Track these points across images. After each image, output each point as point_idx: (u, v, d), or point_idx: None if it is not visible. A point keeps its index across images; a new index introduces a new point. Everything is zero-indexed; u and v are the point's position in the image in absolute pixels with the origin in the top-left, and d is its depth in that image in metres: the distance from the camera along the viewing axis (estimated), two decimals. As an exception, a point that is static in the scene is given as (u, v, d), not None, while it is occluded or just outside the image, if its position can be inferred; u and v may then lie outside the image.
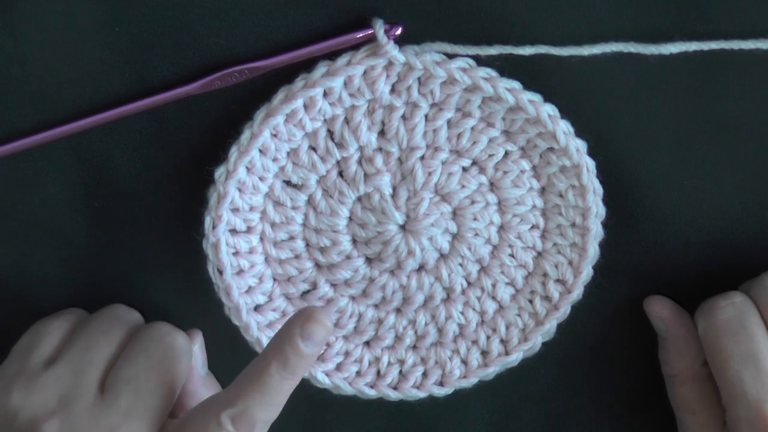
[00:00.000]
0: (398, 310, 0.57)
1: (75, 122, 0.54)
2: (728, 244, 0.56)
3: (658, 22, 0.53)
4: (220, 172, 0.53)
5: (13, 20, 0.53)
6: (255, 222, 0.55)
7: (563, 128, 0.53)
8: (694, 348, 0.55)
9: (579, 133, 0.54)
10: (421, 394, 0.57)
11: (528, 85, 0.53)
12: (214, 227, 0.54)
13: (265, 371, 0.48)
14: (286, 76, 0.53)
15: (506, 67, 0.53)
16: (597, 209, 0.54)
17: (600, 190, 0.54)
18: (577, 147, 0.53)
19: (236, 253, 0.55)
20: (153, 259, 0.56)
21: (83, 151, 0.55)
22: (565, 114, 0.53)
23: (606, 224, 0.55)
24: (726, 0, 0.53)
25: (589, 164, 0.54)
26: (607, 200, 0.55)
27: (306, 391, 0.57)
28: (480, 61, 0.53)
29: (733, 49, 0.53)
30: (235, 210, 0.54)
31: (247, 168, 0.53)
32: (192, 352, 0.55)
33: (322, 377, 0.56)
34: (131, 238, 0.56)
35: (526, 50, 0.53)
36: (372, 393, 0.57)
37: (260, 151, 0.53)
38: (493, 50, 0.53)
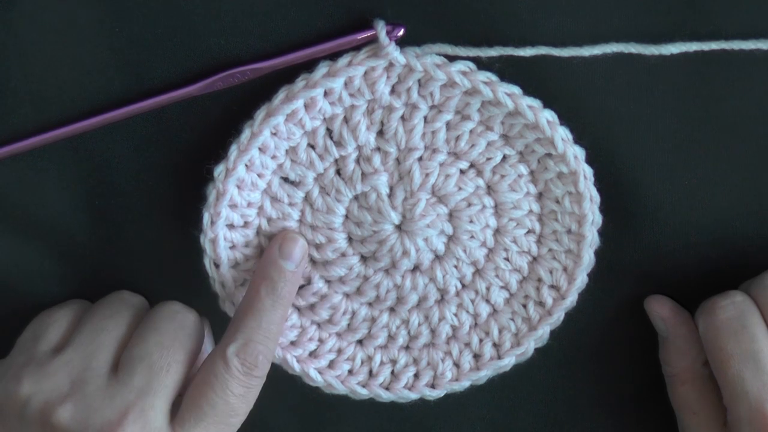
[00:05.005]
0: (392, 310, 0.57)
1: (75, 123, 0.54)
2: (728, 244, 0.56)
3: (658, 23, 0.53)
4: (219, 170, 0.53)
5: (13, 20, 0.53)
6: (252, 217, 0.55)
7: (562, 134, 0.53)
8: (694, 348, 0.55)
9: (578, 137, 0.54)
10: (413, 396, 0.57)
11: (528, 86, 0.53)
12: (212, 223, 0.54)
13: (255, 298, 0.52)
14: (287, 76, 0.53)
15: (507, 68, 0.53)
16: (593, 217, 0.54)
17: (597, 197, 0.54)
18: (575, 154, 0.53)
19: (233, 247, 0.55)
20: (152, 257, 0.57)
21: (83, 151, 0.55)
22: (565, 114, 0.53)
23: (605, 225, 0.55)
24: (726, 1, 0.53)
25: (586, 171, 0.54)
26: (606, 201, 0.55)
27: (305, 391, 0.57)
28: (480, 62, 0.53)
29: (734, 50, 0.53)
30: (233, 206, 0.54)
31: (246, 166, 0.53)
32: (204, 331, 0.55)
33: (314, 374, 0.57)
34: (131, 238, 0.57)
35: (527, 51, 0.53)
36: (364, 392, 0.57)
37: (260, 149, 0.53)
38: (494, 51, 0.53)
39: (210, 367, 0.51)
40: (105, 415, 0.50)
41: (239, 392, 0.51)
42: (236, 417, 0.52)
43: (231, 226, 0.55)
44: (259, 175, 0.54)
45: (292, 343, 0.57)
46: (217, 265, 0.55)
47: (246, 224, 0.55)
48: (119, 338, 0.53)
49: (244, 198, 0.54)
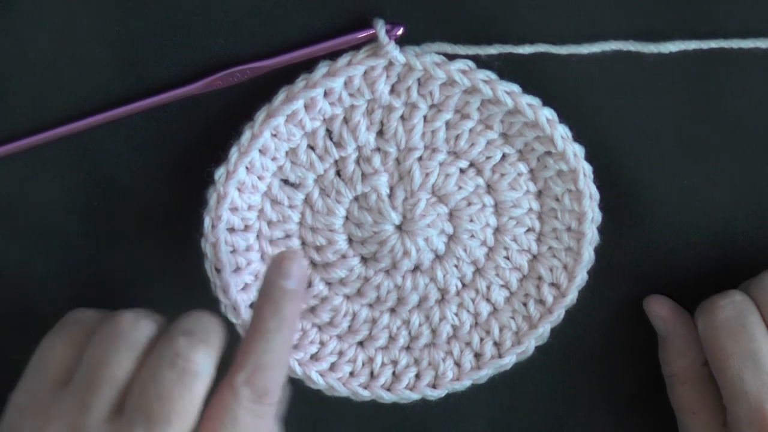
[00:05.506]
0: (392, 310, 0.57)
1: (75, 122, 0.54)
2: (728, 244, 0.56)
3: (657, 21, 0.53)
4: (220, 173, 0.53)
5: (13, 20, 0.53)
6: (252, 221, 0.55)
7: (561, 132, 0.53)
8: (694, 347, 0.55)
9: (577, 135, 0.54)
10: (414, 396, 0.57)
11: (527, 84, 0.53)
12: (213, 227, 0.54)
13: (260, 321, 0.49)
14: (287, 75, 0.53)
15: (506, 66, 0.53)
16: (593, 214, 0.54)
17: (596, 195, 0.54)
18: (575, 152, 0.53)
19: (234, 251, 0.55)
20: (152, 258, 0.56)
21: (83, 151, 0.55)
22: (564, 112, 0.53)
23: (605, 224, 0.55)
24: (726, 0, 0.53)
25: (586, 169, 0.54)
26: (606, 199, 0.55)
27: (305, 391, 0.57)
28: (480, 60, 0.53)
29: (733, 48, 0.53)
30: (233, 209, 0.54)
31: (246, 168, 0.53)
32: (211, 369, 0.50)
33: (316, 377, 0.56)
34: (131, 238, 0.56)
35: (526, 49, 0.53)
36: (366, 394, 0.57)
37: (260, 151, 0.53)
38: (493, 50, 0.53)
39: (218, 399, 0.48)
40: None
41: (250, 421, 0.48)
42: None
43: (232, 230, 0.55)
44: (260, 178, 0.54)
45: (293, 346, 0.57)
46: (218, 270, 0.55)
47: (246, 228, 0.55)
48: (120, 380, 0.49)
49: (244, 201, 0.54)
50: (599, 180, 0.54)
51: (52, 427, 0.48)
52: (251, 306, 0.56)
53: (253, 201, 0.55)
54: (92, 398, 0.48)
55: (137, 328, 0.49)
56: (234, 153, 0.53)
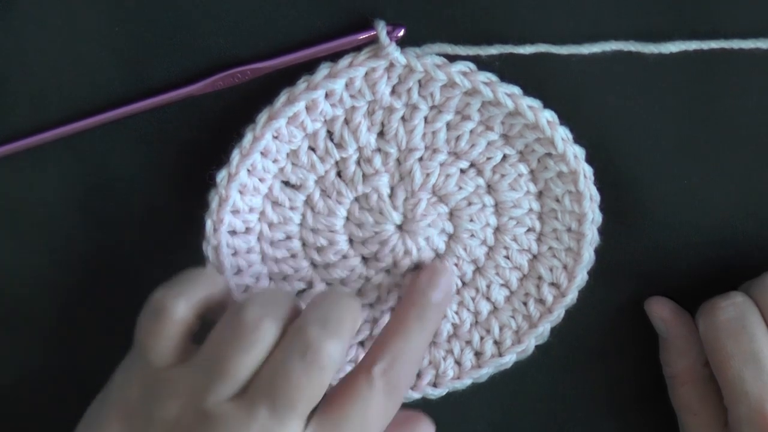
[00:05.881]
0: (393, 310, 0.57)
1: (75, 123, 0.54)
2: (728, 244, 0.56)
3: (657, 21, 0.53)
4: (221, 176, 0.53)
5: (13, 20, 0.53)
6: (253, 223, 0.55)
7: (561, 134, 0.53)
8: (694, 348, 0.55)
9: (578, 135, 0.54)
10: (415, 395, 0.57)
11: (528, 84, 0.53)
12: (215, 230, 0.54)
13: (404, 323, 0.52)
14: (288, 76, 0.53)
15: (506, 66, 0.53)
16: (593, 215, 0.55)
17: (597, 196, 0.54)
18: (575, 153, 0.53)
19: (235, 254, 0.55)
20: (152, 258, 0.57)
21: (83, 151, 0.55)
22: (564, 112, 0.53)
23: (606, 224, 0.55)
24: (726, 0, 0.53)
25: (586, 171, 0.54)
26: (606, 200, 0.55)
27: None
28: (480, 60, 0.53)
29: (733, 49, 0.53)
30: (235, 212, 0.54)
31: (248, 170, 0.53)
32: (340, 361, 0.50)
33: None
34: (130, 238, 0.56)
35: (526, 49, 0.53)
36: (366, 393, 0.57)
37: (262, 153, 0.53)
38: (494, 50, 0.53)
39: (352, 383, 0.50)
40: None
41: (378, 412, 0.50)
42: None
43: (233, 233, 0.55)
44: (261, 180, 0.54)
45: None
46: (219, 273, 0.55)
47: (248, 230, 0.55)
48: (247, 372, 0.48)
49: (246, 203, 0.54)
50: (600, 180, 0.54)
51: (171, 402, 0.48)
52: None
53: (255, 203, 0.55)
54: (217, 381, 0.48)
55: (262, 329, 0.48)
56: (236, 155, 0.53)
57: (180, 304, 0.49)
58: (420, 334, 0.52)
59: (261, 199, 0.55)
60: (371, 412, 0.50)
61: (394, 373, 0.50)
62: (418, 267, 0.56)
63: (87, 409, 0.52)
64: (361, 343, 0.58)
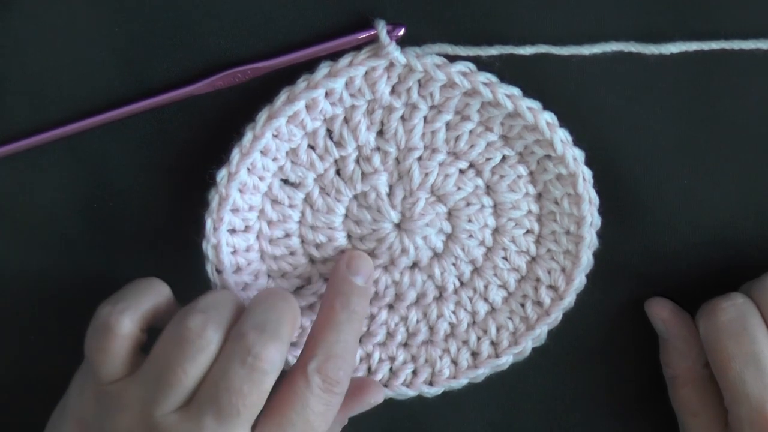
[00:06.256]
0: (390, 307, 0.57)
1: (75, 122, 0.54)
2: (728, 245, 0.56)
3: (658, 22, 0.53)
4: (222, 175, 0.53)
5: (12, 20, 0.53)
6: (253, 221, 0.55)
7: (561, 136, 0.53)
8: (695, 349, 0.55)
9: (577, 136, 0.54)
10: (411, 393, 0.57)
11: (528, 85, 0.53)
12: (215, 229, 0.54)
13: (331, 312, 0.52)
14: (288, 76, 0.53)
15: (507, 67, 0.53)
16: (592, 219, 0.55)
17: (596, 199, 0.54)
18: (575, 156, 0.53)
19: (234, 252, 0.55)
20: (152, 259, 0.57)
21: (83, 151, 0.55)
22: (564, 113, 0.53)
23: (606, 225, 0.55)
24: (726, 0, 0.53)
25: (585, 174, 0.54)
26: (606, 201, 0.55)
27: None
28: (480, 61, 0.53)
29: (734, 49, 0.53)
30: (235, 210, 0.54)
31: (248, 169, 0.53)
32: (280, 364, 0.50)
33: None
34: (131, 239, 0.56)
35: (527, 50, 0.53)
36: (363, 390, 0.57)
37: (261, 152, 0.53)
38: (494, 50, 0.53)
39: (290, 385, 0.50)
40: None
41: (319, 410, 0.50)
42: None
43: (233, 231, 0.55)
44: (260, 178, 0.54)
45: (292, 343, 0.57)
46: (219, 271, 0.55)
47: (247, 228, 0.55)
48: (193, 380, 0.49)
49: (246, 201, 0.54)
50: (600, 180, 0.54)
51: (121, 415, 0.50)
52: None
53: (254, 201, 0.55)
54: (162, 393, 0.49)
55: (205, 337, 0.49)
56: (236, 154, 0.53)
57: (125, 320, 0.50)
58: (349, 323, 0.52)
59: (260, 197, 0.55)
60: (313, 412, 0.50)
61: (330, 367, 0.51)
62: (415, 265, 0.56)
63: (50, 417, 0.53)
64: (359, 340, 0.58)
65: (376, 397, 0.56)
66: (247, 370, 0.48)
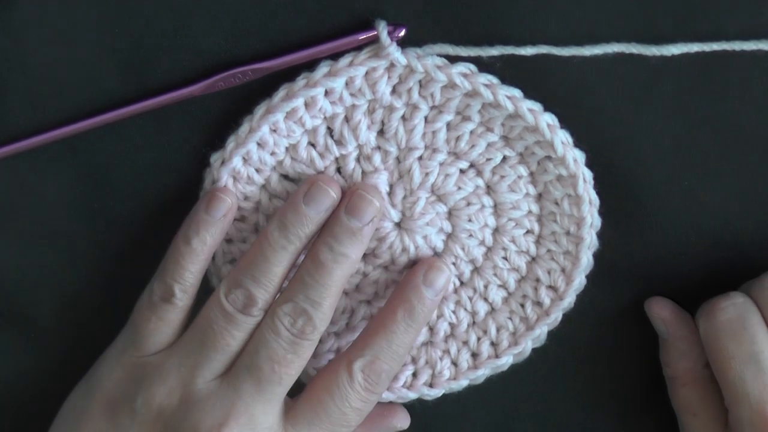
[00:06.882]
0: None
1: (75, 123, 0.54)
2: (728, 245, 0.56)
3: (659, 23, 0.53)
4: (215, 158, 0.54)
5: (12, 20, 0.53)
6: (249, 212, 0.55)
7: (561, 138, 0.53)
8: (695, 349, 0.55)
9: (578, 137, 0.54)
10: (412, 395, 0.57)
11: (529, 86, 0.53)
12: None
13: (391, 319, 0.53)
14: (288, 76, 0.53)
15: (507, 67, 0.53)
16: (592, 219, 0.55)
17: (596, 200, 0.55)
18: (575, 157, 0.53)
19: (230, 241, 0.56)
20: (152, 258, 0.56)
21: (83, 151, 0.55)
22: (565, 114, 0.53)
23: (606, 225, 0.55)
24: (727, 1, 0.53)
25: (586, 175, 0.54)
26: (606, 201, 0.55)
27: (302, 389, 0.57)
28: (481, 61, 0.53)
29: (735, 51, 0.53)
30: None
31: (243, 159, 0.54)
32: (320, 335, 0.53)
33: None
34: (131, 239, 0.56)
35: (528, 50, 0.53)
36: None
37: (258, 144, 0.54)
38: (495, 51, 0.53)
39: (332, 375, 0.52)
40: (215, 416, 0.51)
41: (357, 405, 0.52)
42: (347, 428, 0.52)
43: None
44: (258, 170, 0.54)
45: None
46: (212, 257, 0.55)
47: (243, 218, 0.55)
48: (234, 348, 0.52)
49: (239, 189, 0.54)
50: (600, 181, 0.54)
51: (158, 385, 0.51)
52: None
53: (249, 191, 0.55)
54: (207, 357, 0.51)
55: (248, 312, 0.52)
56: (231, 142, 0.54)
57: (183, 294, 0.52)
58: (406, 332, 0.53)
59: (257, 189, 0.55)
60: (350, 406, 0.52)
61: (375, 370, 0.52)
62: (415, 264, 0.56)
63: (64, 403, 0.53)
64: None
65: (402, 422, 0.57)
66: (288, 343, 0.50)
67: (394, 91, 0.53)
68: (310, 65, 0.53)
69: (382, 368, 0.52)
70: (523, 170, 0.55)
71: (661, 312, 0.56)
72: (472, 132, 0.54)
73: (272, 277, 0.52)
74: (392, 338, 0.52)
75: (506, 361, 0.57)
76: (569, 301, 0.56)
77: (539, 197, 0.55)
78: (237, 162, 0.53)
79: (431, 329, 0.57)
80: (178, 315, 0.53)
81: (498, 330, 0.57)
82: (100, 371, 0.54)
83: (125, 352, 0.53)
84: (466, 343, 0.57)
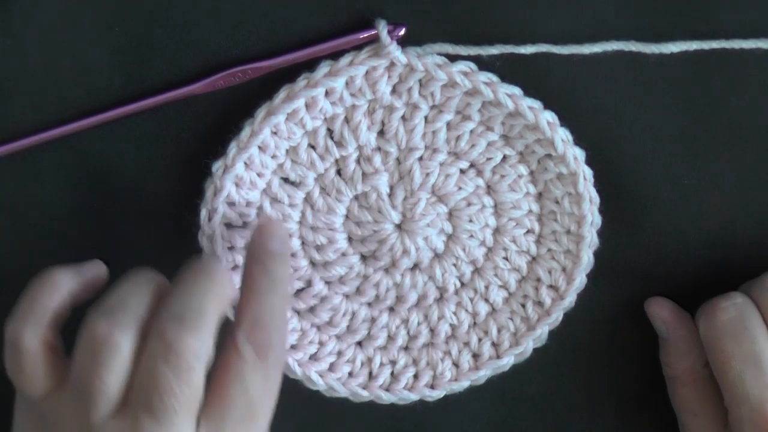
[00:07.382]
0: (391, 309, 0.57)
1: (75, 122, 0.54)
2: (728, 245, 0.56)
3: (658, 21, 0.53)
4: (217, 166, 0.53)
5: (12, 20, 0.53)
6: (252, 218, 0.55)
7: (562, 136, 0.53)
8: (695, 349, 0.55)
9: (578, 135, 0.54)
10: (413, 397, 0.57)
11: (529, 84, 0.53)
12: (209, 219, 0.54)
13: (252, 282, 0.50)
14: (289, 76, 0.53)
15: (507, 66, 0.53)
16: (592, 218, 0.55)
17: (596, 199, 0.55)
18: (575, 155, 0.53)
19: (232, 248, 0.55)
20: (152, 259, 0.56)
21: (83, 150, 0.55)
22: (565, 112, 0.53)
23: (607, 226, 0.55)
24: (726, -1, 0.53)
25: (586, 173, 0.54)
26: (606, 200, 0.55)
27: (305, 394, 0.57)
28: (481, 60, 0.53)
29: (734, 49, 0.53)
30: (231, 204, 0.54)
31: (245, 164, 0.53)
32: (207, 351, 0.48)
33: (316, 377, 0.56)
34: (131, 239, 0.56)
35: (527, 49, 0.53)
36: (365, 394, 0.57)
37: (260, 148, 0.53)
38: (495, 49, 0.53)
39: (225, 363, 0.48)
40: None
41: (258, 383, 0.48)
42: (260, 414, 0.48)
43: (229, 225, 0.55)
44: (259, 175, 0.54)
45: (293, 346, 0.56)
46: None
47: (245, 225, 0.55)
48: (119, 381, 0.47)
49: (242, 196, 0.54)
50: (600, 179, 0.54)
51: (60, 428, 0.48)
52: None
53: (252, 197, 0.55)
54: (91, 401, 0.47)
55: (113, 341, 0.47)
56: (233, 148, 0.53)
57: (27, 335, 0.48)
58: (272, 289, 0.50)
59: (259, 194, 0.55)
60: (252, 385, 0.48)
61: (258, 335, 0.48)
62: (416, 266, 0.56)
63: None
64: (359, 344, 0.58)
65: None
66: (172, 368, 0.46)
67: (394, 90, 0.53)
68: (310, 64, 0.53)
69: (265, 332, 0.48)
70: (523, 169, 0.55)
71: (661, 312, 0.56)
72: (472, 131, 0.54)
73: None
74: (260, 298, 0.49)
75: (507, 361, 0.57)
76: (570, 300, 0.56)
77: (539, 196, 0.55)
78: (240, 167, 0.53)
79: (432, 330, 0.57)
80: None
81: (499, 330, 0.57)
82: None
83: None
84: (467, 344, 0.57)
